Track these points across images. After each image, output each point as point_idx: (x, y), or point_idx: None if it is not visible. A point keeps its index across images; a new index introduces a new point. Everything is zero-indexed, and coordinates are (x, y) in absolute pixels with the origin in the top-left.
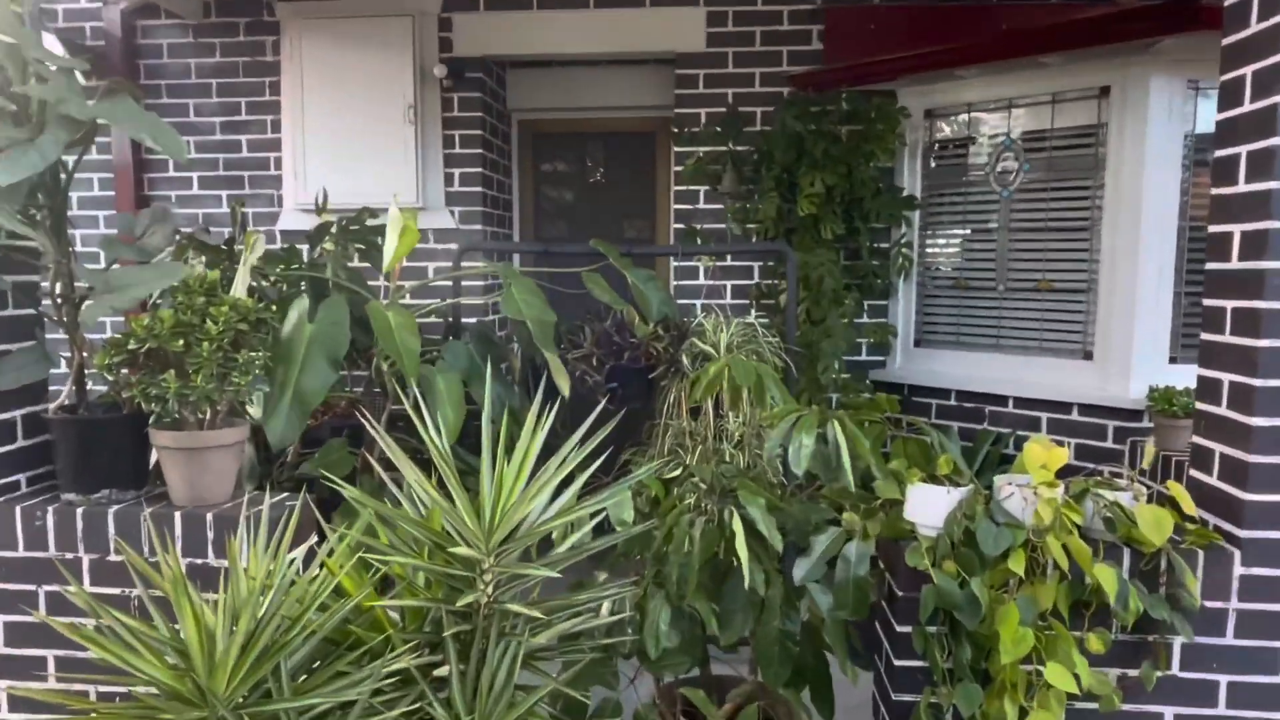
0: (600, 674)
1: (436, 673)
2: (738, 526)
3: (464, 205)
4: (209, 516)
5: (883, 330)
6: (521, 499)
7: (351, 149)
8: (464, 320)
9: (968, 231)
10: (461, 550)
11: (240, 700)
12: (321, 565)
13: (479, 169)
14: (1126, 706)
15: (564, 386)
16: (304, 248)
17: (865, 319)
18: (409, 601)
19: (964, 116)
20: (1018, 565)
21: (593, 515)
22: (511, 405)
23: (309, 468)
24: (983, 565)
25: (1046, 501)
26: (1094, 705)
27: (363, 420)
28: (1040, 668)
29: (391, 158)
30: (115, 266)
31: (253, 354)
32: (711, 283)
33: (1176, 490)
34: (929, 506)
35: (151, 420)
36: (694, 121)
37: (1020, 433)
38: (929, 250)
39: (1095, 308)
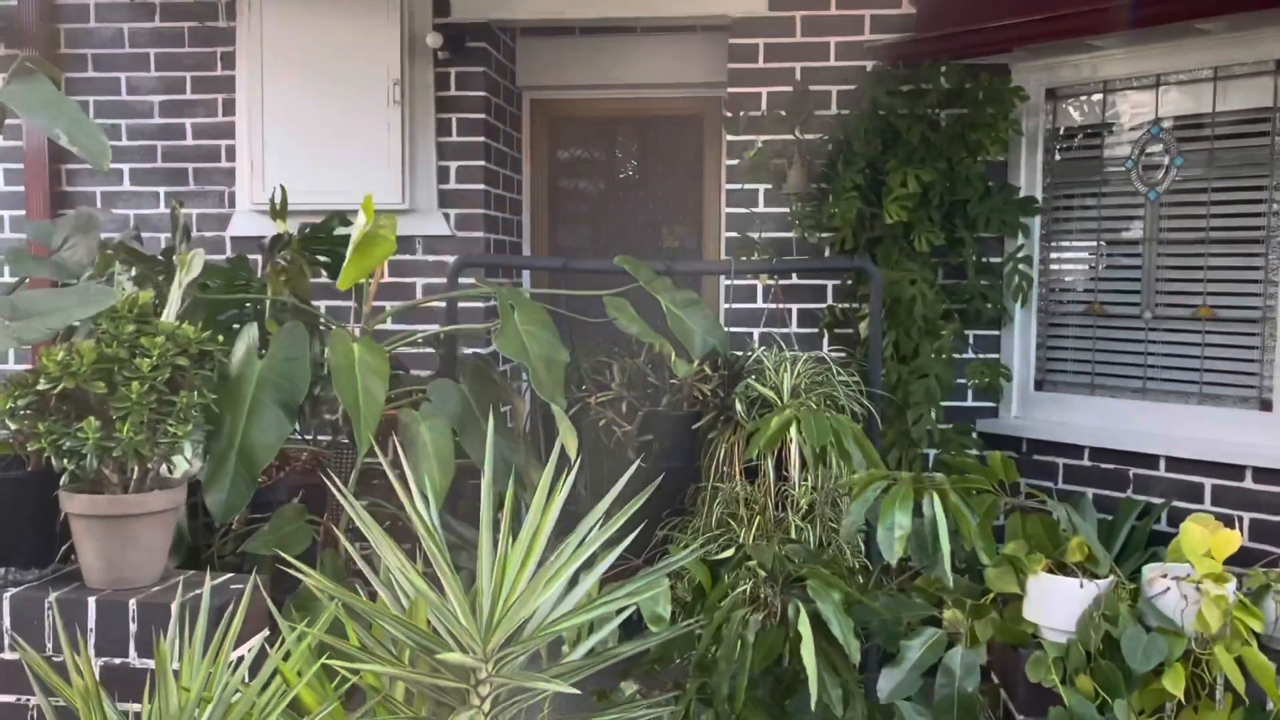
0: None
1: None
2: (805, 628)
3: (462, 207)
4: (132, 604)
5: (993, 369)
6: (530, 589)
7: (322, 136)
8: (461, 351)
9: (1104, 244)
10: (453, 657)
11: None
12: (274, 672)
13: (481, 162)
14: None
15: (571, 447)
16: (257, 258)
17: (970, 354)
18: None
19: (1097, 97)
20: (1175, 684)
21: (619, 610)
22: (516, 464)
23: (258, 542)
24: (1129, 683)
25: (1213, 600)
26: None
27: (325, 480)
28: None
29: (372, 147)
30: (25, 286)
31: (193, 397)
32: (773, 306)
33: None
34: (1057, 604)
35: (63, 481)
36: (752, 103)
37: (1176, 504)
38: (1053, 267)
39: (1274, 342)
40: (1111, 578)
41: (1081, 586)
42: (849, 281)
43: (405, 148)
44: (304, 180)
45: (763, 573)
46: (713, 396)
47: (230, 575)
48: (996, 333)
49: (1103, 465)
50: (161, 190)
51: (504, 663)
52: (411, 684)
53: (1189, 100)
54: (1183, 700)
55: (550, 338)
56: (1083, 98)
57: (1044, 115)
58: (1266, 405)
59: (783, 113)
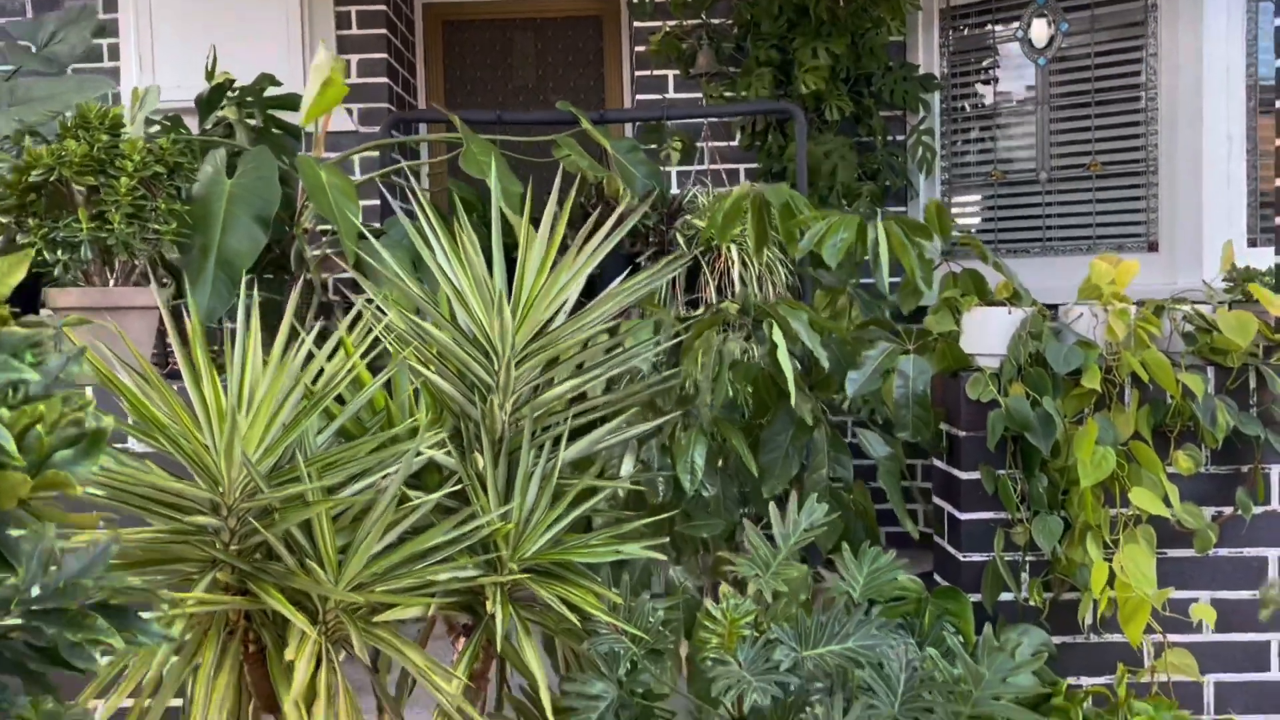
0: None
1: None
2: (778, 337)
3: (366, 101)
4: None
5: None
6: (549, 288)
7: (216, 28)
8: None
9: (999, 113)
10: (476, 338)
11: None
12: (338, 346)
13: (384, 55)
14: (1223, 550)
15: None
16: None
17: None
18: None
19: None
20: (1093, 381)
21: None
22: None
23: None
24: (1055, 385)
25: (1119, 314)
26: (1188, 551)
27: None
28: (1125, 511)
29: (270, 38)
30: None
31: (173, 204)
32: (685, 190)
33: (1260, 293)
34: (990, 331)
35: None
36: None
37: None
38: (955, 139)
39: (1157, 190)
40: (1035, 307)
41: (1010, 313)
42: (760, 164)
43: (305, 39)
44: (198, 75)
45: (734, 309)
46: (655, 232)
47: None
48: (904, 208)
49: None
50: None
51: (527, 360)
52: (451, 365)
53: None
54: (1100, 393)
55: (505, 170)
56: None
57: None
58: (1154, 247)
59: None
